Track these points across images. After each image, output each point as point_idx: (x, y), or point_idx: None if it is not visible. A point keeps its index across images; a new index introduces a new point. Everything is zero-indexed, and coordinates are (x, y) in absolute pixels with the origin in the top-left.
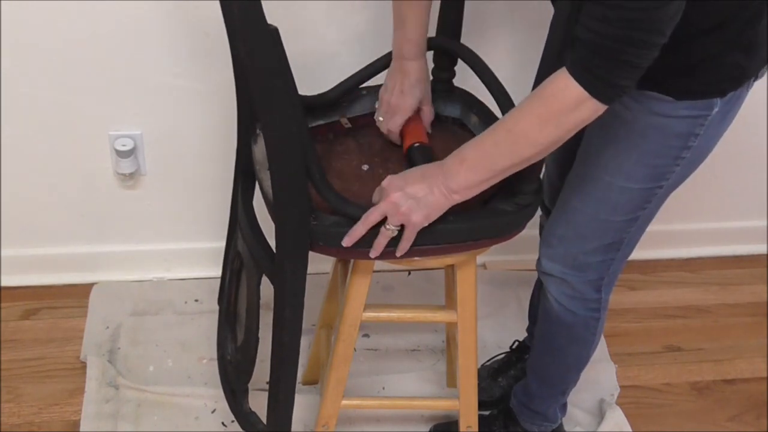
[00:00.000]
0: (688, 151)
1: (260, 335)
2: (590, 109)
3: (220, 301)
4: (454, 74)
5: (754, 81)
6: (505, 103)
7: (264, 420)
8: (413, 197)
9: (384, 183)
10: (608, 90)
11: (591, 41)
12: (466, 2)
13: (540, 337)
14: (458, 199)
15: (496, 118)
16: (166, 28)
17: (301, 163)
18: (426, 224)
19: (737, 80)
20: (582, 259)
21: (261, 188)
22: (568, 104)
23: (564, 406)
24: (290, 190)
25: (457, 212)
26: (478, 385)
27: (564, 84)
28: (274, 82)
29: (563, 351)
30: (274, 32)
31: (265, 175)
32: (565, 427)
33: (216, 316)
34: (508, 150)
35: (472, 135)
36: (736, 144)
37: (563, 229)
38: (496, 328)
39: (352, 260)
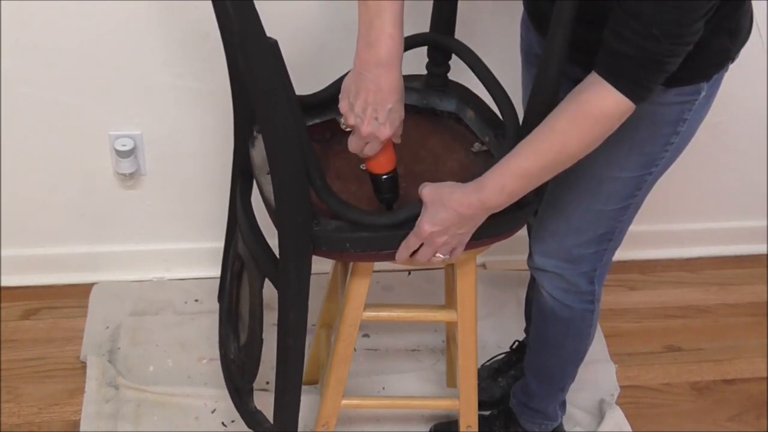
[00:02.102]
0: (677, 137)
1: (263, 336)
2: (628, 114)
3: (220, 299)
4: (448, 68)
5: (731, 63)
6: (501, 96)
7: (269, 419)
8: (459, 233)
9: (426, 228)
10: (647, 96)
11: (639, 57)
12: None
13: (536, 335)
14: (490, 212)
15: (492, 112)
16: (167, 29)
17: (302, 171)
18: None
19: (721, 63)
20: (576, 251)
21: (261, 192)
22: (619, 119)
23: (563, 404)
24: (292, 197)
25: None
26: (479, 385)
27: (614, 101)
28: (275, 95)
29: (560, 347)
30: (274, 45)
31: (264, 179)
32: (565, 427)
33: (216, 315)
34: (554, 169)
35: (468, 129)
36: (736, 144)
37: (555, 224)
38: (496, 328)
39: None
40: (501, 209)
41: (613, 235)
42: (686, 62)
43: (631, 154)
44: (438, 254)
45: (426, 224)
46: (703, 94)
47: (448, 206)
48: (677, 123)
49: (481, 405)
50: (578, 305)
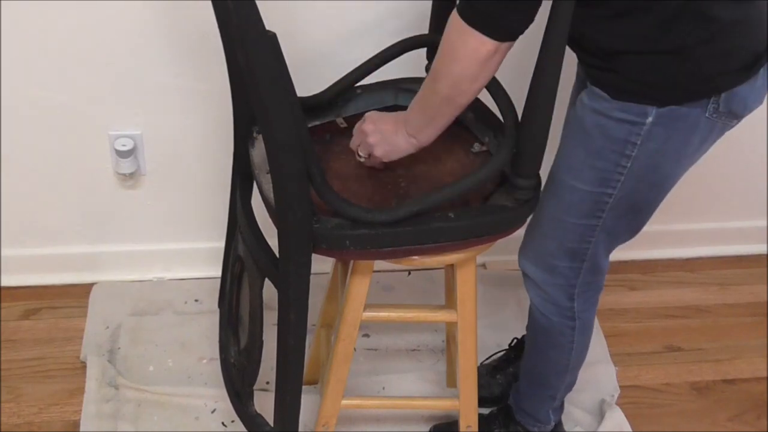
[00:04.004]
0: (628, 161)
1: (263, 338)
2: (476, 40)
3: (220, 303)
4: None
5: (720, 118)
6: (501, 96)
7: (269, 421)
8: (381, 132)
9: (365, 116)
10: (490, 23)
11: None
12: None
13: (527, 338)
14: (416, 143)
15: (491, 113)
16: (166, 29)
17: (302, 168)
18: (386, 160)
19: (672, 91)
20: (549, 261)
21: (261, 191)
22: (453, 35)
23: (557, 410)
24: (292, 195)
25: (457, 210)
26: (477, 382)
27: (452, 16)
28: (274, 88)
29: (544, 354)
30: (272, 38)
31: (264, 179)
32: (565, 427)
33: (216, 316)
34: (432, 90)
35: (468, 130)
36: (736, 144)
37: (531, 227)
38: (496, 328)
39: (352, 260)
40: (419, 136)
41: (586, 255)
42: (619, 68)
43: (585, 165)
44: (359, 152)
45: (370, 112)
46: (651, 120)
47: (389, 113)
48: (625, 144)
49: (481, 401)
50: (556, 318)
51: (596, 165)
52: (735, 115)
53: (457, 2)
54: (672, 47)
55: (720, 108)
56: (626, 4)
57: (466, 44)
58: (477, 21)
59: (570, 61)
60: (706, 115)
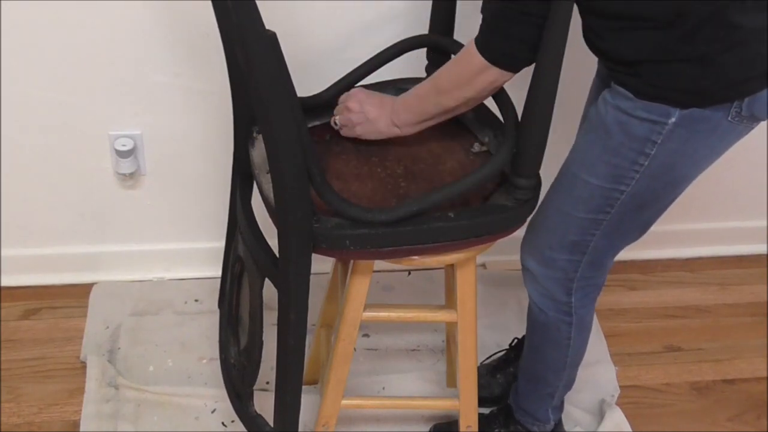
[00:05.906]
0: (646, 159)
1: (263, 338)
2: (494, 73)
3: (220, 304)
4: None
5: (742, 121)
6: (502, 96)
7: (269, 421)
8: (365, 115)
9: (352, 91)
10: (512, 61)
11: (484, 18)
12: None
13: (526, 335)
14: (399, 132)
15: (491, 113)
16: (167, 29)
17: (302, 167)
18: (363, 138)
19: (695, 95)
20: (549, 254)
21: (260, 191)
22: (474, 70)
23: (557, 409)
24: (292, 194)
25: (457, 209)
26: (477, 382)
27: (469, 52)
28: (274, 87)
29: (540, 350)
30: (272, 37)
31: (264, 179)
32: (565, 427)
33: (216, 316)
34: (435, 102)
35: (467, 129)
36: (737, 144)
37: (535, 218)
38: (496, 328)
39: (352, 260)
40: (403, 128)
41: (587, 249)
42: (643, 73)
43: (601, 161)
44: (337, 122)
45: (356, 89)
46: (673, 121)
47: (377, 93)
48: (645, 143)
49: (481, 401)
50: (553, 313)
51: (612, 161)
52: (756, 119)
53: (476, 39)
54: (695, 55)
55: (742, 112)
56: (648, 17)
57: (487, 77)
58: (499, 60)
59: (584, 57)
60: (728, 118)
